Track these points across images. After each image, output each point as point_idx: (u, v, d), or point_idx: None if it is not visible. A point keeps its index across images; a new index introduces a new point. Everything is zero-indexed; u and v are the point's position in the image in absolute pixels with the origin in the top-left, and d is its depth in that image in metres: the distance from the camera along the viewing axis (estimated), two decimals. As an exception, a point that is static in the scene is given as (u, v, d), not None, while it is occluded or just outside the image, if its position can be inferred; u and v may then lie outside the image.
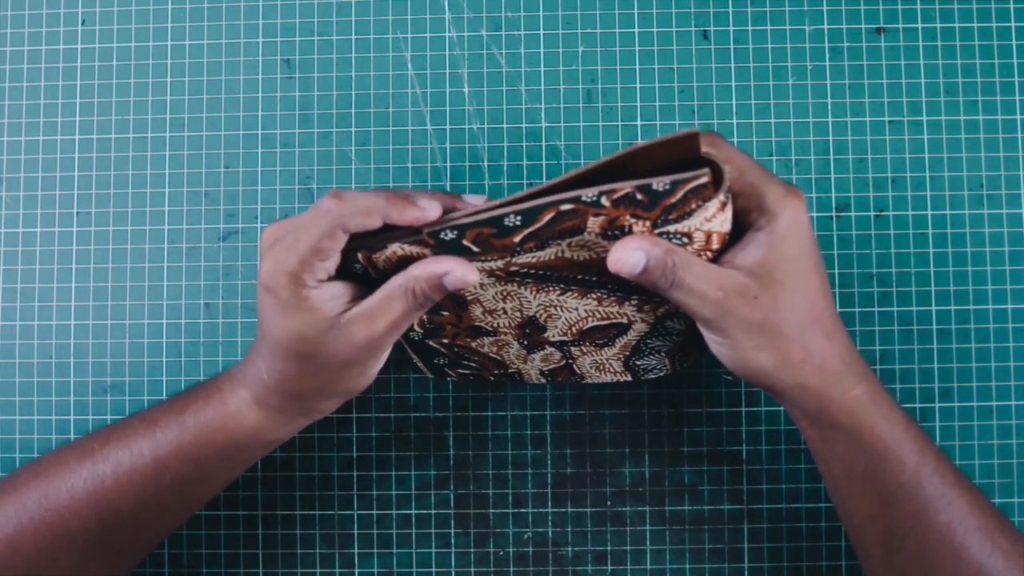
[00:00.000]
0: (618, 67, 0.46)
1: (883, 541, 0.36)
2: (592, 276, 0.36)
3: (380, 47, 0.46)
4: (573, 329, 0.39)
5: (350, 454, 0.45)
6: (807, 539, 0.44)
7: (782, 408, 0.44)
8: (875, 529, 0.36)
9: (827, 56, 0.45)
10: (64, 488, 0.36)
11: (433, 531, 0.45)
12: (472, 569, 0.45)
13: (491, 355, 0.41)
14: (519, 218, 0.33)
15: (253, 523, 0.45)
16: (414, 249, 0.34)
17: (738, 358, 0.34)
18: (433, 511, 0.45)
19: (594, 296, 0.37)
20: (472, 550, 0.45)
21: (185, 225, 0.45)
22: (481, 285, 0.36)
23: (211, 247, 0.45)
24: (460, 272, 0.33)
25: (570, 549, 0.45)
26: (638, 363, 0.41)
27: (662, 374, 0.42)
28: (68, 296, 0.45)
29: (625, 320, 0.38)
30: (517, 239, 0.34)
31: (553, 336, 0.39)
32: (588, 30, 0.46)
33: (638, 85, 0.45)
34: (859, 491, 0.36)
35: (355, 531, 0.45)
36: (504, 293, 0.37)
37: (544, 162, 0.45)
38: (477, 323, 0.39)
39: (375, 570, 0.45)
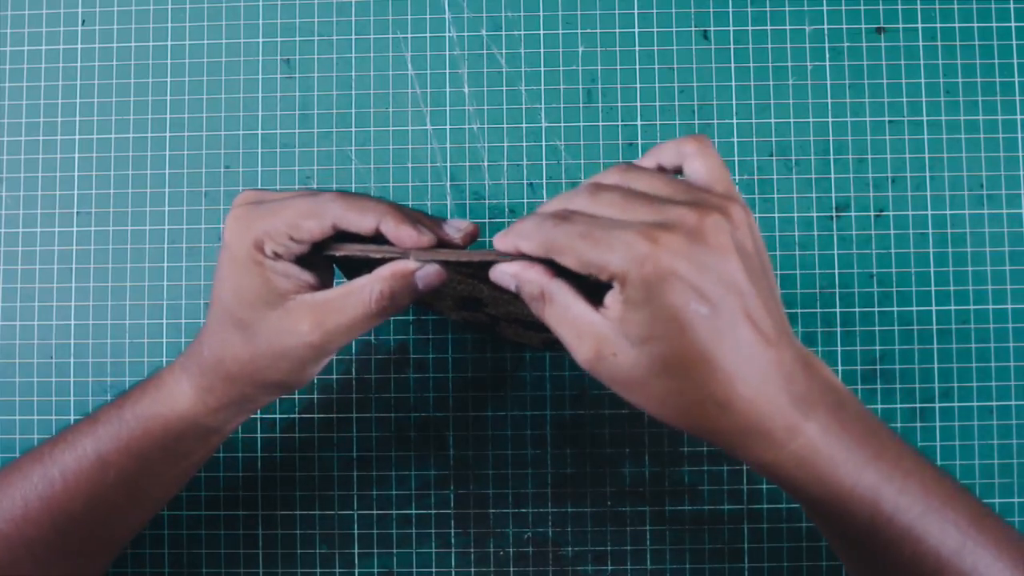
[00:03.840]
0: (618, 67, 0.46)
1: None
2: None
3: (380, 47, 0.46)
4: (510, 316, 0.39)
5: (350, 454, 0.45)
6: (807, 539, 0.44)
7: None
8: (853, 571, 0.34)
9: (827, 56, 0.45)
10: (19, 496, 0.35)
11: (433, 531, 0.45)
12: (472, 569, 0.45)
13: (423, 300, 0.40)
14: (469, 264, 0.33)
15: (253, 523, 0.45)
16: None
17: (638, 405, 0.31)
18: (433, 511, 0.45)
19: None
20: (472, 550, 0.45)
21: (185, 225, 0.45)
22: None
23: (211, 247, 0.45)
24: (433, 268, 0.33)
25: (570, 549, 0.45)
26: (556, 347, 0.42)
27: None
28: (68, 296, 0.45)
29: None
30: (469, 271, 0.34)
31: (489, 311, 0.39)
32: (588, 30, 0.46)
33: (638, 85, 0.45)
34: (825, 531, 0.33)
35: (355, 531, 0.45)
36: (459, 282, 0.36)
37: (544, 162, 0.45)
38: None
39: (375, 570, 0.45)
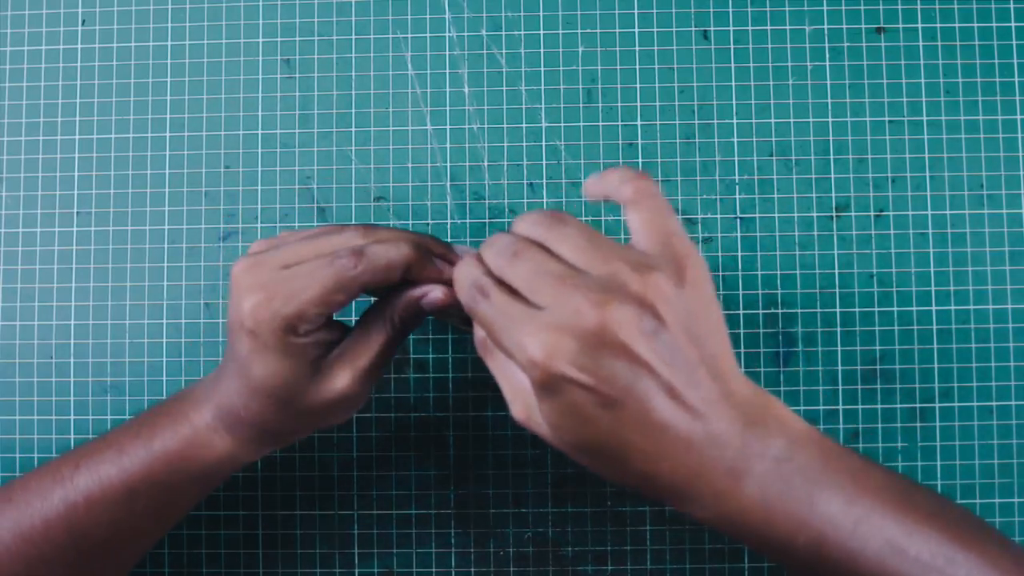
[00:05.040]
0: (618, 67, 0.46)
1: None
2: None
3: (380, 47, 0.46)
4: None
5: (350, 454, 0.45)
6: (807, 539, 0.44)
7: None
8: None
9: (827, 56, 0.45)
10: (39, 517, 0.35)
11: (433, 531, 0.45)
12: (472, 569, 0.45)
13: None
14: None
15: (253, 523, 0.45)
16: None
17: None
18: (433, 511, 0.45)
19: None
20: (472, 550, 0.45)
21: (185, 225, 0.45)
22: None
23: (211, 247, 0.45)
24: (438, 293, 0.33)
25: (570, 549, 0.45)
26: None
27: None
28: (68, 296, 0.45)
29: None
30: None
31: None
32: (588, 30, 0.46)
33: (638, 85, 0.45)
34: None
35: (355, 531, 0.45)
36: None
37: (544, 162, 0.45)
38: None
39: (375, 570, 0.45)
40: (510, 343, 0.28)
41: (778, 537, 0.30)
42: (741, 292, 0.45)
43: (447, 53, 0.46)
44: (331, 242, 0.33)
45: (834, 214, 0.45)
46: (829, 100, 0.45)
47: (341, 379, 0.33)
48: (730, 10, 0.46)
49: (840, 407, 0.44)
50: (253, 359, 0.32)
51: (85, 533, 0.35)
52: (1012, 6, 0.45)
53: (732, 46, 0.46)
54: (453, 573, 0.45)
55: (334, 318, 0.35)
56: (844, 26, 0.46)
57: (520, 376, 0.31)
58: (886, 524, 0.29)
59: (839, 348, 0.44)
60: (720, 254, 0.45)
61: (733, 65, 0.45)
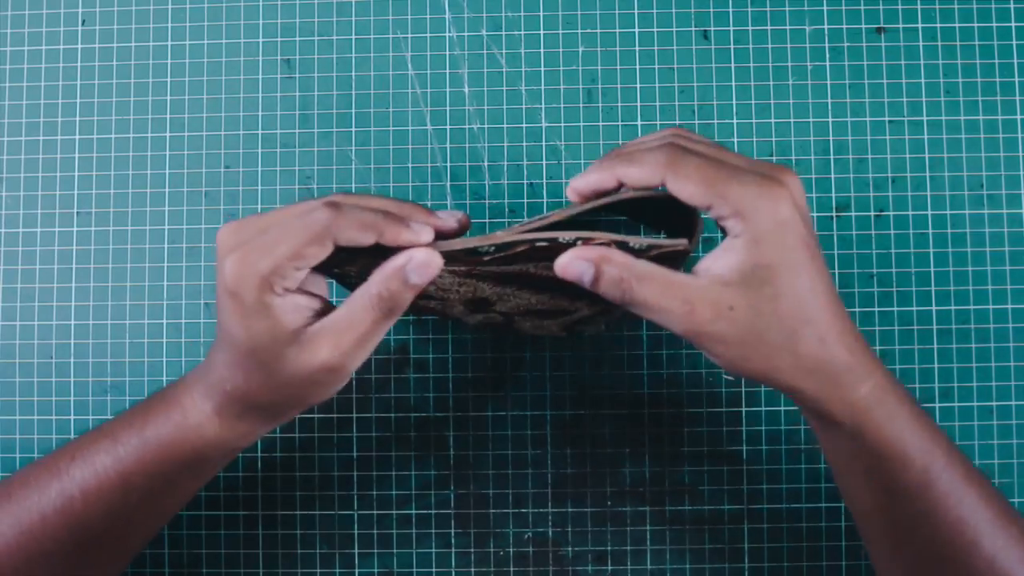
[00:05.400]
0: (618, 67, 0.46)
1: (888, 534, 0.35)
2: (549, 284, 0.36)
3: (380, 47, 0.46)
4: (520, 309, 0.39)
5: (350, 454, 0.45)
6: (807, 539, 0.44)
7: (782, 408, 0.44)
8: (880, 522, 0.35)
9: (827, 56, 0.45)
10: (35, 509, 0.35)
11: (433, 531, 0.45)
12: (472, 569, 0.45)
13: (436, 308, 0.40)
14: (492, 247, 0.33)
15: (253, 523, 0.45)
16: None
17: (724, 365, 0.33)
18: (433, 511, 0.45)
19: (546, 295, 0.37)
20: (472, 550, 0.45)
21: (185, 225, 0.45)
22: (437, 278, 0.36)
23: (211, 247, 0.45)
24: (420, 257, 0.32)
25: (570, 549, 0.45)
26: (576, 327, 0.41)
27: (597, 332, 0.41)
28: (68, 296, 0.45)
29: (573, 309, 0.39)
30: (487, 258, 0.34)
31: (500, 309, 0.39)
32: (588, 30, 0.46)
33: (638, 85, 0.45)
34: (862, 485, 0.35)
35: (355, 531, 0.45)
36: (459, 283, 0.36)
37: (544, 162, 0.45)
38: (427, 293, 0.38)
39: (375, 570, 0.45)
40: (742, 181, 0.31)
41: (902, 430, 0.33)
42: (741, 292, 0.45)
43: (447, 53, 0.46)
44: (310, 204, 0.33)
45: (834, 214, 0.45)
46: (829, 100, 0.45)
47: (323, 350, 0.32)
48: (730, 10, 0.46)
49: (840, 407, 0.44)
50: (233, 322, 0.32)
51: (83, 525, 0.35)
52: (1012, 6, 0.45)
53: (732, 46, 0.46)
54: (453, 573, 0.45)
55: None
56: (844, 26, 0.46)
57: (694, 281, 0.31)
58: (963, 459, 0.34)
59: (839, 348, 0.44)
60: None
61: (733, 65, 0.45)
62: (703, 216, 0.34)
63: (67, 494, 0.35)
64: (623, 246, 0.32)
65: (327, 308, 0.34)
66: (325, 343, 0.32)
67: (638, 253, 0.32)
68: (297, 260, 0.31)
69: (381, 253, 0.33)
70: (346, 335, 0.33)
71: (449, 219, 0.35)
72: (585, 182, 0.33)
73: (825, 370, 0.32)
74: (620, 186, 0.33)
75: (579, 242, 0.32)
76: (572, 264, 0.32)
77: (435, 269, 0.33)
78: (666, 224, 0.36)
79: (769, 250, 0.31)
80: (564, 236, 0.32)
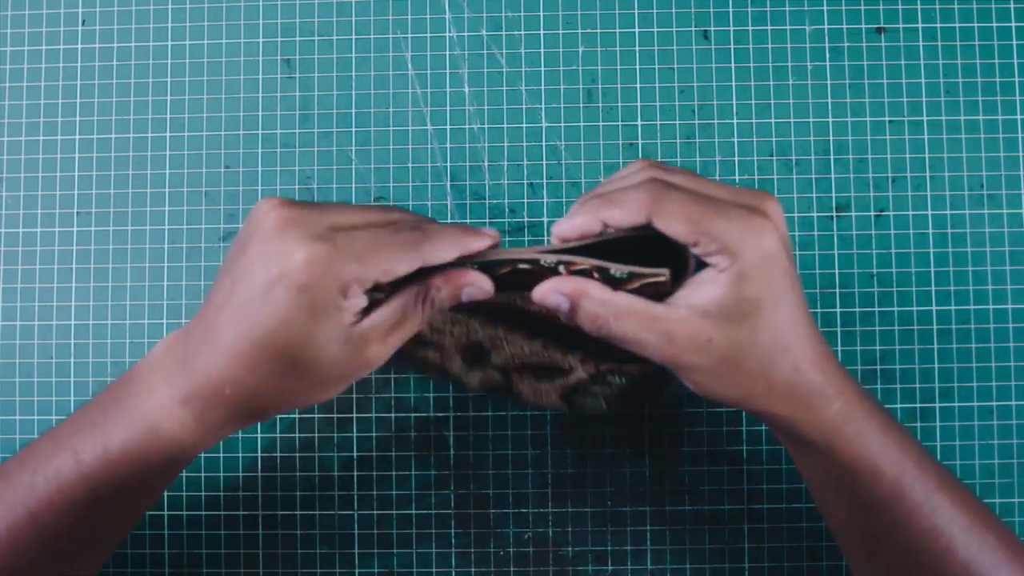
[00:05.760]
0: (618, 67, 0.46)
1: (864, 544, 0.35)
2: (539, 326, 0.37)
3: (380, 47, 0.46)
4: (515, 360, 0.39)
5: (350, 454, 0.45)
6: (807, 539, 0.44)
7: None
8: (855, 533, 0.36)
9: (827, 56, 0.45)
10: (2, 525, 0.33)
11: (433, 531, 0.45)
12: (472, 569, 0.45)
13: (435, 363, 0.41)
14: (475, 264, 0.33)
15: (253, 523, 0.45)
16: None
17: (699, 391, 0.33)
18: (433, 511, 0.45)
19: (539, 341, 0.38)
20: (472, 550, 0.45)
21: (185, 225, 0.45)
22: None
23: (211, 247, 0.45)
24: (481, 283, 0.33)
25: (570, 549, 0.45)
26: (575, 399, 0.41)
27: (597, 412, 0.41)
28: (68, 296, 0.45)
29: (566, 367, 0.39)
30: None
31: (496, 362, 0.40)
32: (588, 30, 0.46)
33: (638, 85, 0.45)
34: (836, 499, 0.35)
35: (355, 531, 0.45)
36: (453, 320, 0.37)
37: (544, 162, 0.45)
38: (423, 337, 0.39)
39: (375, 570, 0.45)
40: (728, 216, 0.31)
41: (871, 445, 0.34)
42: (741, 292, 0.45)
43: (447, 53, 0.46)
44: (392, 214, 0.32)
45: (834, 214, 0.45)
46: (829, 100, 0.45)
47: (371, 348, 0.32)
48: (730, 10, 0.46)
49: (840, 407, 0.44)
50: (286, 314, 0.30)
51: (53, 536, 0.34)
52: (1012, 6, 0.45)
53: (732, 46, 0.46)
54: (453, 573, 0.45)
55: None
56: (844, 26, 0.46)
57: (674, 313, 0.31)
58: (936, 466, 0.34)
59: (839, 348, 0.44)
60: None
61: (733, 65, 0.45)
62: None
63: (33, 510, 0.33)
64: (604, 272, 0.32)
65: (370, 306, 0.33)
66: (374, 341, 0.32)
67: (618, 281, 0.32)
68: (382, 275, 0.31)
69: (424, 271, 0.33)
70: (394, 335, 0.32)
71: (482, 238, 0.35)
72: (570, 227, 0.32)
73: (797, 394, 0.33)
74: (605, 228, 0.32)
75: (561, 266, 0.32)
76: (549, 295, 0.32)
77: (488, 294, 0.33)
78: (650, 261, 0.36)
79: (755, 285, 0.31)
80: (546, 259, 0.32)
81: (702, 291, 0.31)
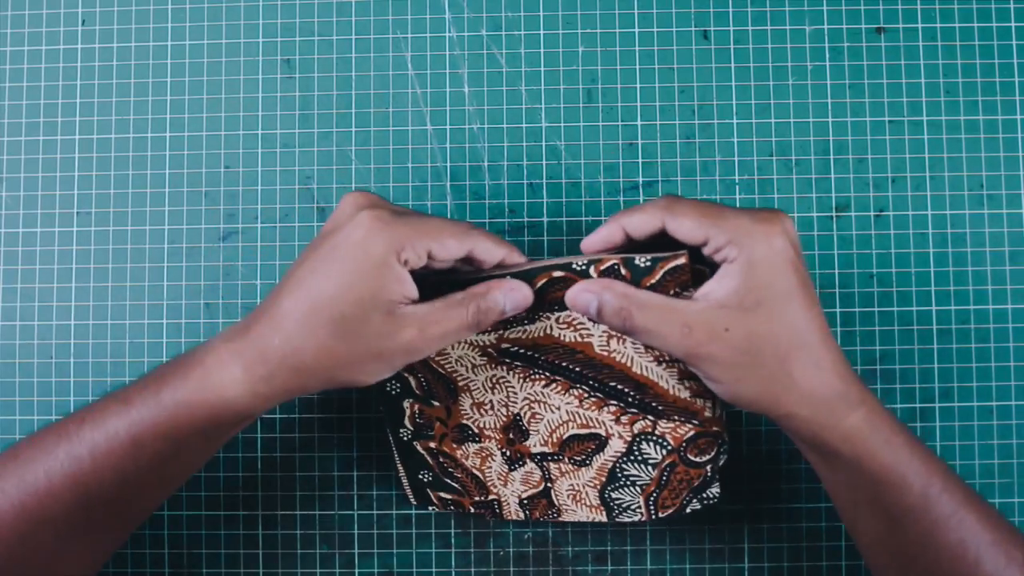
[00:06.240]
0: (618, 67, 0.46)
1: (895, 560, 0.36)
2: (576, 367, 0.38)
3: (380, 47, 0.46)
4: (554, 437, 0.39)
5: (350, 454, 0.45)
6: (807, 539, 0.44)
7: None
8: (886, 549, 0.36)
9: (827, 56, 0.45)
10: (41, 471, 0.35)
11: (433, 531, 0.45)
12: (472, 569, 0.45)
13: (474, 471, 0.41)
14: (510, 273, 0.36)
15: (253, 523, 0.45)
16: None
17: (722, 391, 0.34)
18: (433, 511, 0.45)
19: (575, 394, 0.38)
20: (472, 550, 0.45)
21: (185, 225, 0.46)
22: (473, 367, 0.39)
23: (211, 247, 0.45)
24: (520, 288, 0.36)
25: (570, 549, 0.45)
26: (613, 495, 0.40)
27: (636, 518, 0.41)
28: (68, 296, 0.45)
29: (603, 432, 0.39)
30: (512, 316, 0.37)
31: (535, 447, 0.40)
32: (588, 30, 0.46)
33: (638, 85, 0.45)
34: (866, 514, 0.36)
35: (355, 531, 0.45)
36: (494, 380, 0.39)
37: (544, 162, 0.45)
38: (464, 420, 0.40)
39: (375, 570, 0.45)
40: (735, 213, 0.33)
41: (898, 452, 0.34)
42: (741, 292, 0.45)
43: (447, 53, 0.46)
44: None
45: (834, 214, 0.45)
46: (829, 100, 0.45)
47: (409, 330, 0.34)
48: (730, 10, 0.46)
49: (840, 407, 0.44)
50: (340, 267, 0.33)
51: (90, 488, 0.35)
52: (1012, 6, 0.45)
53: (732, 46, 0.46)
54: (453, 573, 0.45)
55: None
56: (844, 26, 0.46)
57: (691, 306, 0.33)
58: (958, 479, 0.35)
59: (839, 348, 0.44)
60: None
61: (733, 65, 0.45)
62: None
63: (75, 456, 0.35)
64: (630, 262, 0.35)
65: (419, 300, 0.36)
66: (413, 325, 0.34)
67: (643, 272, 0.35)
68: (438, 246, 0.34)
69: (458, 283, 0.36)
70: (433, 326, 0.35)
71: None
72: (597, 238, 0.36)
73: (819, 396, 0.33)
74: (627, 239, 0.35)
75: (591, 268, 0.35)
76: (579, 296, 0.35)
77: (528, 301, 0.36)
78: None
79: (763, 273, 0.33)
80: (577, 262, 0.36)
81: (716, 285, 0.33)
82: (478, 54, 0.46)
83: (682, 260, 0.34)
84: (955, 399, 0.44)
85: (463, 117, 0.46)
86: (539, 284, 0.36)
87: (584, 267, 0.36)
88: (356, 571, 0.45)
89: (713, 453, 0.38)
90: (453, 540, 0.45)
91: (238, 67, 0.46)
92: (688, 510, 0.40)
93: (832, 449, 0.34)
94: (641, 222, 0.35)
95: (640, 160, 0.45)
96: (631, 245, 0.36)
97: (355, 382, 0.35)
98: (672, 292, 0.35)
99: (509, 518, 0.42)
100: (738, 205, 0.45)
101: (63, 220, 0.46)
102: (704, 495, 0.40)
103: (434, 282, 0.36)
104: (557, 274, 0.36)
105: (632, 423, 0.38)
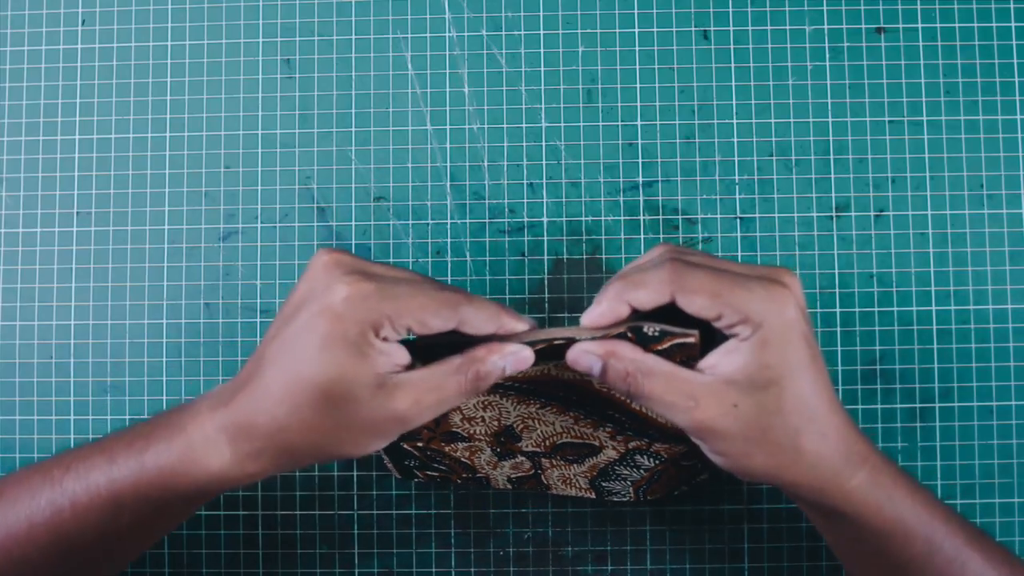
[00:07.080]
0: (618, 67, 0.46)
1: None
2: (573, 396, 0.37)
3: (380, 47, 0.46)
4: (547, 442, 0.39)
5: (350, 454, 0.45)
6: (807, 539, 0.44)
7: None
8: None
9: (827, 56, 0.45)
10: (24, 516, 0.34)
11: (433, 531, 0.45)
12: (472, 569, 0.45)
13: (462, 459, 0.41)
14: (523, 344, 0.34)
15: (253, 523, 0.45)
16: None
17: (726, 464, 0.33)
18: (433, 511, 0.45)
19: (571, 415, 0.38)
20: (472, 550, 0.45)
21: (185, 225, 0.46)
22: None
23: (211, 247, 0.45)
24: (520, 351, 0.33)
25: (570, 549, 0.45)
26: (603, 484, 0.41)
27: (625, 499, 0.41)
28: (68, 296, 0.45)
29: (597, 443, 0.39)
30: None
31: (527, 447, 0.40)
32: (588, 30, 0.46)
33: (638, 85, 0.45)
34: (870, 564, 0.36)
35: (355, 531, 0.45)
36: (485, 403, 0.37)
37: (544, 162, 0.45)
38: (454, 429, 0.39)
39: (375, 570, 0.45)
40: (749, 289, 0.31)
41: (900, 509, 0.34)
42: (741, 292, 0.45)
43: (447, 53, 0.46)
44: (427, 278, 0.34)
45: (834, 214, 0.45)
46: (829, 100, 0.45)
47: (403, 401, 0.32)
48: (730, 10, 0.46)
49: (840, 407, 0.44)
50: (319, 344, 0.31)
51: (69, 538, 0.34)
52: (1012, 6, 0.45)
53: (732, 46, 0.46)
54: (453, 573, 0.45)
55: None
56: (844, 26, 0.46)
57: (699, 377, 0.32)
58: (961, 524, 0.35)
59: (839, 348, 0.44)
60: (720, 254, 0.44)
61: (733, 65, 0.45)
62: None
63: (57, 505, 0.34)
64: (638, 331, 0.33)
65: (410, 367, 0.34)
66: (407, 394, 0.32)
67: (651, 340, 0.33)
68: (419, 324, 0.32)
69: (457, 344, 0.34)
70: (429, 394, 0.33)
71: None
72: (598, 314, 0.33)
73: (825, 463, 0.33)
74: (633, 312, 0.33)
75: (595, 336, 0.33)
76: (582, 357, 0.33)
77: (529, 363, 0.34)
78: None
79: (776, 352, 0.31)
80: (581, 335, 0.33)
81: (726, 359, 0.32)
82: (478, 54, 0.46)
83: (692, 340, 0.32)
84: (955, 399, 0.44)
85: (463, 117, 0.46)
86: (539, 348, 0.34)
87: (588, 339, 0.33)
88: (356, 571, 0.45)
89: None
90: (453, 540, 0.45)
91: (238, 67, 0.46)
92: (676, 492, 0.41)
93: (836, 509, 0.34)
94: (648, 299, 0.32)
95: (640, 160, 0.45)
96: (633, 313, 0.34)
97: (349, 455, 0.34)
98: (678, 360, 0.33)
99: (496, 487, 0.43)
100: (738, 205, 0.45)
101: (63, 220, 0.46)
102: (694, 480, 0.40)
103: (431, 340, 0.34)
104: (558, 342, 0.34)
105: (627, 441, 0.38)
